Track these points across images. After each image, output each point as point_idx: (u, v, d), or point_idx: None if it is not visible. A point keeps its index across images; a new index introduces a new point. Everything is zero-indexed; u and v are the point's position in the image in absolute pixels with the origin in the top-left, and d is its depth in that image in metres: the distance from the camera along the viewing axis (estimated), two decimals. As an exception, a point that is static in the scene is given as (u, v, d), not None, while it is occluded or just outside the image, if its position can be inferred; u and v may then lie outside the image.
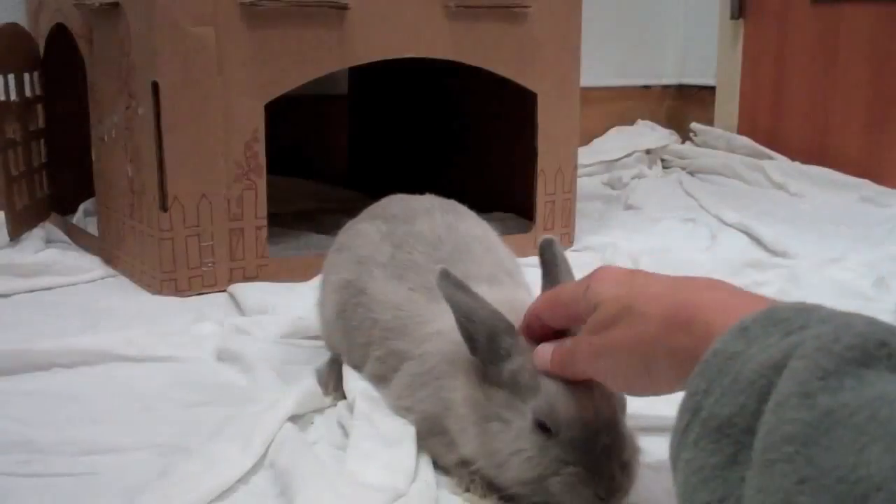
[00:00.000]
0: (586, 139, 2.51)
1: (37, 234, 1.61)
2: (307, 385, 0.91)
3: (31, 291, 1.37)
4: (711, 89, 2.65)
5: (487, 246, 0.93)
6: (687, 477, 0.45)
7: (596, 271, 0.65)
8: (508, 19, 1.55)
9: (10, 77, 1.58)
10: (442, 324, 0.78)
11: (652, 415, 0.78)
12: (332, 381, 0.95)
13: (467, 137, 1.94)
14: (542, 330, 0.70)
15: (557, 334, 0.70)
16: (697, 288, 0.56)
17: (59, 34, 1.62)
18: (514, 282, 0.90)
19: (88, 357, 1.05)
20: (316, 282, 1.06)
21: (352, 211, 1.04)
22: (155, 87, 1.30)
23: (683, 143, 2.63)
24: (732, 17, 2.53)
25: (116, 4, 1.36)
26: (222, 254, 1.37)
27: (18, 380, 1.01)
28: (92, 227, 1.64)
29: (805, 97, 2.37)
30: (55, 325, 1.21)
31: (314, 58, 1.40)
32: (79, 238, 1.63)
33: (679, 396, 0.50)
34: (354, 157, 2.30)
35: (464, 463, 0.75)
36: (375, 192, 1.10)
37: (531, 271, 0.87)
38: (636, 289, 0.60)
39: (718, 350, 0.47)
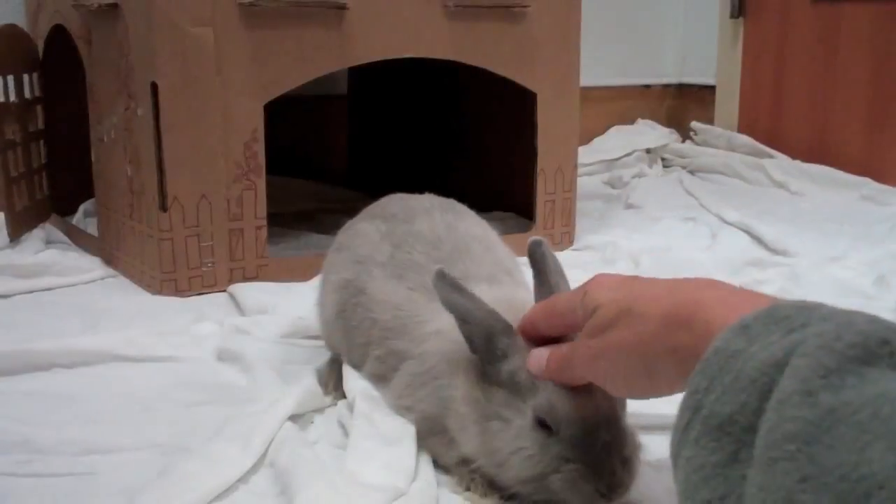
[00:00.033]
0: (586, 138, 2.51)
1: (37, 234, 1.61)
2: (307, 385, 0.91)
3: (31, 292, 1.37)
4: (711, 88, 2.65)
5: (487, 245, 0.93)
6: (688, 475, 0.45)
7: (592, 279, 0.65)
8: (508, 19, 1.55)
9: (10, 78, 1.58)
10: (441, 323, 0.78)
11: (652, 413, 0.78)
12: (332, 381, 0.95)
13: (467, 137, 1.94)
14: (537, 339, 0.70)
15: (552, 343, 0.69)
16: (697, 287, 0.56)
17: (59, 35, 1.61)
18: (513, 281, 0.90)
19: (88, 357, 1.05)
20: (316, 282, 1.06)
21: (352, 211, 1.04)
22: (154, 87, 1.30)
23: (684, 142, 2.62)
24: (732, 16, 2.53)
25: (115, 5, 1.36)
26: (222, 254, 1.37)
27: (18, 380, 1.01)
28: (92, 227, 1.63)
29: (805, 96, 2.37)
30: (55, 325, 1.21)
31: (313, 58, 1.40)
32: (79, 239, 1.63)
33: (679, 395, 0.49)
34: (354, 156, 2.30)
35: (464, 462, 0.74)
36: (375, 191, 1.10)
37: (531, 271, 0.87)
38: (635, 292, 0.59)
39: (719, 348, 0.47)
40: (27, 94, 1.64)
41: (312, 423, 0.89)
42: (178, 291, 1.35)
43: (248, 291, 1.31)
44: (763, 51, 2.48)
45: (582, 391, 0.66)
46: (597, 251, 1.61)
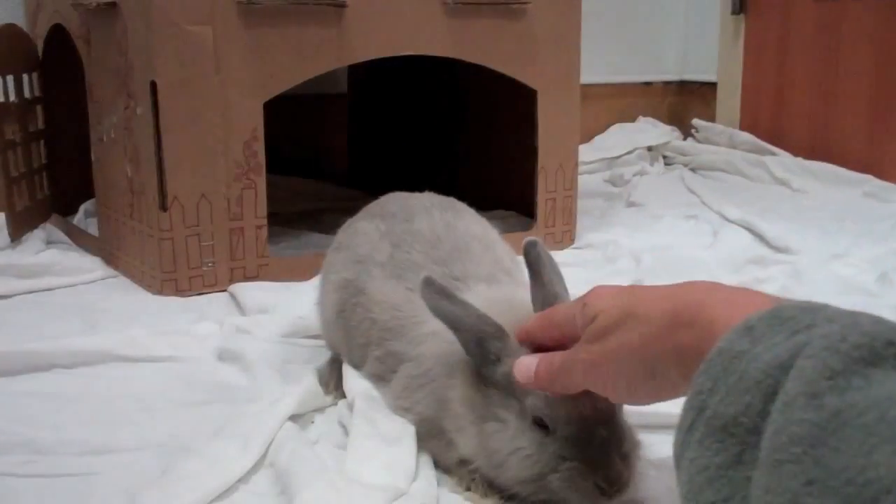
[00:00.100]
0: (587, 136, 2.51)
1: (37, 234, 1.61)
2: (308, 384, 0.91)
3: (32, 292, 1.37)
4: (713, 85, 2.64)
5: (486, 244, 0.93)
6: (691, 476, 0.45)
7: (591, 290, 0.64)
8: (507, 16, 1.54)
9: (10, 78, 1.58)
10: (438, 324, 0.77)
11: (654, 412, 0.78)
12: (332, 381, 0.95)
13: (467, 135, 1.94)
14: (536, 350, 0.69)
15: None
16: (700, 289, 0.55)
17: (58, 35, 1.61)
18: (513, 280, 0.89)
19: (89, 357, 1.05)
20: (316, 281, 1.06)
21: (352, 210, 1.04)
22: (153, 86, 1.30)
23: (685, 139, 2.62)
24: (734, 13, 2.53)
25: (114, 4, 1.36)
26: (222, 253, 1.37)
27: (18, 380, 1.01)
28: (92, 227, 1.63)
29: (807, 92, 2.36)
30: (55, 325, 1.21)
31: (313, 56, 1.39)
32: (79, 239, 1.63)
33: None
34: (354, 156, 2.29)
35: (463, 462, 0.74)
36: (375, 190, 1.10)
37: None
38: (636, 297, 0.59)
39: (723, 349, 0.46)
40: (27, 94, 1.64)
41: (313, 422, 0.89)
42: (179, 291, 1.34)
43: (248, 291, 1.31)
44: (764, 47, 2.47)
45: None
46: (598, 249, 1.61)
